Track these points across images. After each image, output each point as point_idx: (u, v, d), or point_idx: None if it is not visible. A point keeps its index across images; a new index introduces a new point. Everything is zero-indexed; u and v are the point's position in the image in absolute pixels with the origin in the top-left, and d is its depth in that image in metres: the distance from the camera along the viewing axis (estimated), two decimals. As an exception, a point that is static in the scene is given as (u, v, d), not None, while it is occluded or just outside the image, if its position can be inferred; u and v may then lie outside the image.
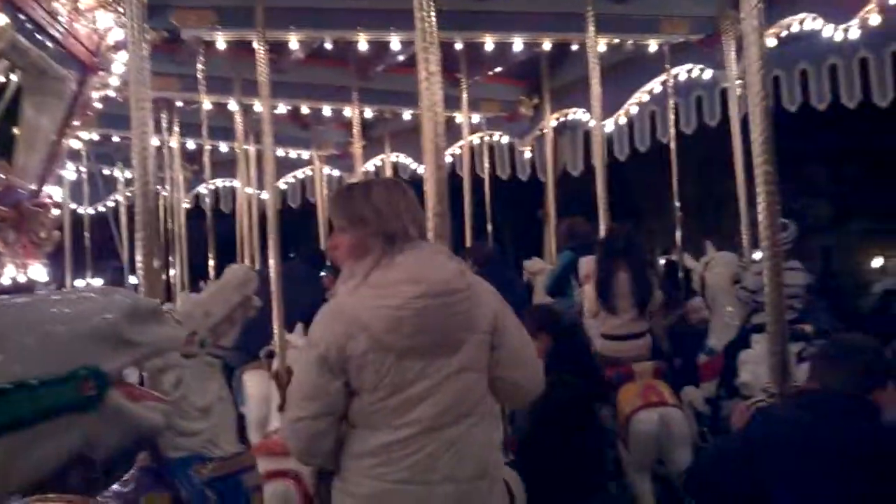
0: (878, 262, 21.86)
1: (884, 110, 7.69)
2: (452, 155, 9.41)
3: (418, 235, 2.17)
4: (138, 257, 3.13)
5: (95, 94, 5.91)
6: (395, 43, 6.17)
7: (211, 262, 6.65)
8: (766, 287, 2.67)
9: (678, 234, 6.98)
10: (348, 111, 7.94)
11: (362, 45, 6.19)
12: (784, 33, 6.93)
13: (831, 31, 6.49)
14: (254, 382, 4.22)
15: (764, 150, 2.55)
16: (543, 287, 6.33)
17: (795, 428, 2.21)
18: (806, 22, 6.65)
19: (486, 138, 9.33)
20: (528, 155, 9.66)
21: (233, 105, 7.16)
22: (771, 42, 7.11)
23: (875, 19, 6.13)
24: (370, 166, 10.13)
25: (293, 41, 6.11)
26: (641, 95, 8.15)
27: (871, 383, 2.21)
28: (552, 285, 6.07)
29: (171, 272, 8.01)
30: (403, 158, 10.09)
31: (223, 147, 8.92)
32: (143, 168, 3.17)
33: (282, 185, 10.67)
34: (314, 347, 2.09)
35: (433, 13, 2.86)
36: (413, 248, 2.12)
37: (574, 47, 6.95)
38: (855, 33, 6.41)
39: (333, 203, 2.39)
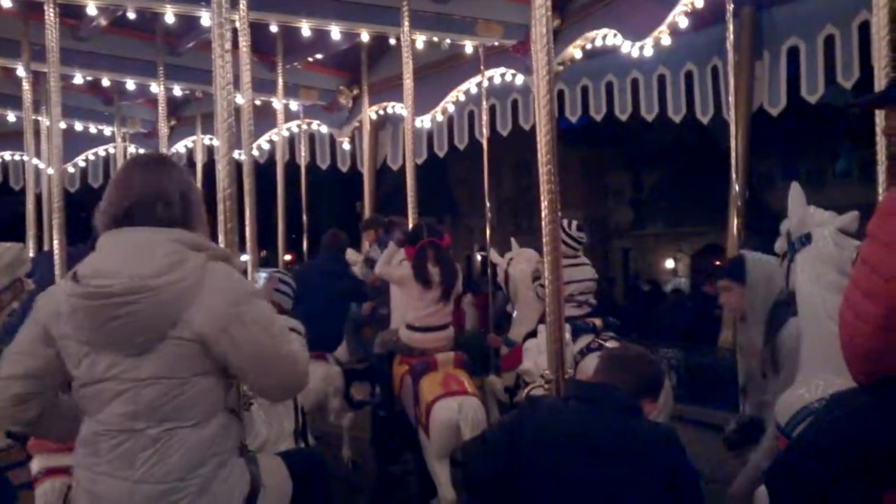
0: (669, 264, 23.92)
1: (678, 124, 8.44)
2: (270, 141, 9.19)
3: (154, 220, 2.02)
4: None
5: None
6: (205, 19, 5.89)
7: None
8: (546, 280, 2.81)
9: (488, 231, 7.22)
10: (155, 87, 7.50)
11: (169, 17, 5.88)
12: (589, 46, 7.36)
13: (629, 48, 6.97)
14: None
15: (548, 151, 2.69)
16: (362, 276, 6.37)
17: (561, 415, 2.34)
18: (608, 37, 7.09)
19: (306, 127, 9.19)
20: (347, 146, 9.63)
21: (21, 71, 6.54)
22: (577, 54, 7.55)
23: (666, 39, 6.64)
24: (181, 147, 9.66)
25: (91, 6, 5.67)
26: (458, 95, 8.37)
27: (642, 392, 2.40)
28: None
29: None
30: (217, 141, 9.68)
31: (12, 117, 8.14)
32: None
33: (80, 162, 9.92)
34: (37, 312, 2.09)
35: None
36: (130, 232, 2.02)
37: (393, 41, 6.99)
38: (649, 51, 6.92)
39: None
